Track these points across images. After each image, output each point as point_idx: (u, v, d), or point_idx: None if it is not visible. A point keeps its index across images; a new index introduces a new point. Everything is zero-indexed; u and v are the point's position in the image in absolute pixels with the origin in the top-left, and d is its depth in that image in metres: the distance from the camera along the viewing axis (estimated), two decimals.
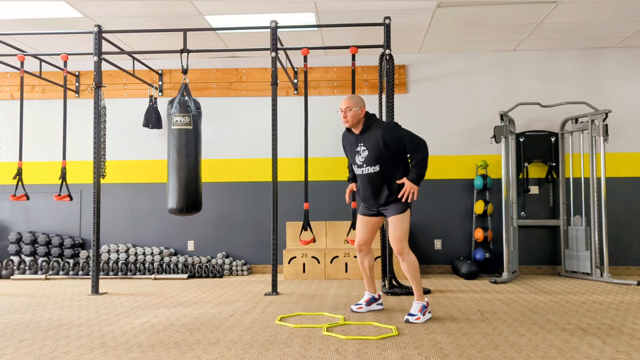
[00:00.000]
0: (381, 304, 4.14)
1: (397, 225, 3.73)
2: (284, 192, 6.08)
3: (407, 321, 3.63)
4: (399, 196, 3.71)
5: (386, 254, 5.04)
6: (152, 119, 6.58)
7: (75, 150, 6.62)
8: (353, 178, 4.08)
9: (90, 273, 5.90)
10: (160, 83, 6.80)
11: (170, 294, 4.98)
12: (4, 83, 6.93)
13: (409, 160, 3.76)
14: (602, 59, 6.45)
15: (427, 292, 4.95)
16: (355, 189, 4.05)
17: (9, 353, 2.92)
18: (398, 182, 3.72)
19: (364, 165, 3.79)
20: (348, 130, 3.91)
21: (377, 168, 3.74)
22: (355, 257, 5.93)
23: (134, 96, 6.81)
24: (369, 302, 4.07)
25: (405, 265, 3.74)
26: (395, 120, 5.08)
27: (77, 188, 6.57)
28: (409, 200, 3.71)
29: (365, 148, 3.77)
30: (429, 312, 3.76)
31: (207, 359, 2.80)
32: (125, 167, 6.75)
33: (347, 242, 5.33)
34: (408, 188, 3.67)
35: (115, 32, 5.28)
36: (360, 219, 3.99)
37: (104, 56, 5.30)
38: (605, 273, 5.64)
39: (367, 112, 3.84)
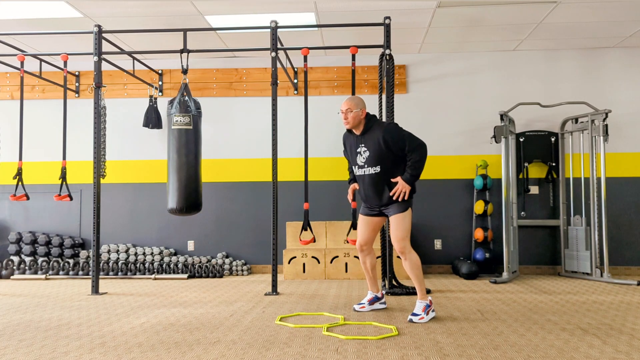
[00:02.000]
0: (384, 303, 4.16)
1: (399, 224, 3.74)
2: (284, 192, 6.09)
3: (411, 321, 3.63)
4: (391, 194, 3.72)
5: (386, 253, 5.04)
6: (152, 119, 6.58)
7: (75, 150, 6.62)
8: (354, 179, 4.10)
9: (90, 273, 5.90)
10: (160, 83, 6.80)
11: (170, 294, 4.98)
12: (4, 83, 6.93)
13: (407, 161, 3.78)
14: (602, 59, 6.45)
15: (427, 292, 4.95)
16: (357, 189, 4.06)
17: (9, 353, 2.92)
18: (393, 180, 3.74)
19: (365, 166, 3.80)
20: (349, 131, 3.94)
21: (378, 169, 3.75)
22: (356, 257, 5.93)
23: (134, 96, 6.81)
24: (372, 301, 4.10)
25: (408, 264, 3.76)
26: (395, 120, 5.08)
27: (77, 188, 6.57)
28: (399, 199, 3.72)
29: (366, 149, 3.79)
30: (433, 311, 3.77)
31: (207, 359, 2.80)
32: (125, 167, 6.75)
33: (347, 242, 5.33)
34: (400, 187, 3.68)
35: (115, 32, 5.28)
36: (361, 219, 4.00)
37: (104, 56, 5.30)
38: (605, 273, 5.64)
39: (367, 113, 3.86)
